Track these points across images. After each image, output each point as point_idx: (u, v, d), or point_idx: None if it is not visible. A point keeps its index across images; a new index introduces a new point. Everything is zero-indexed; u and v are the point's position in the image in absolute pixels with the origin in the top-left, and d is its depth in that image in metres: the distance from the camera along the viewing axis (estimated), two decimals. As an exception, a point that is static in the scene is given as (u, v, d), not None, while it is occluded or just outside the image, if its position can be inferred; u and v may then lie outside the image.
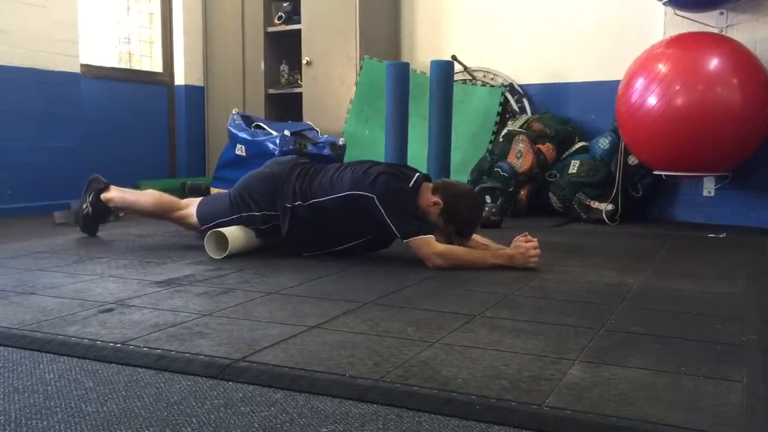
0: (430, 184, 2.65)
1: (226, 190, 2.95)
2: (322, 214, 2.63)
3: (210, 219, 2.81)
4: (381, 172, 2.57)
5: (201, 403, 1.24)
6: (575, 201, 4.07)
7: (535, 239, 2.53)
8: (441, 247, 2.50)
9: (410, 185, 2.58)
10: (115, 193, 3.09)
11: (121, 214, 3.23)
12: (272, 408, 1.22)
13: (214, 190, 3.25)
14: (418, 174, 2.66)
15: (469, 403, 1.23)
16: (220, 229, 2.69)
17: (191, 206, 2.91)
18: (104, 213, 3.16)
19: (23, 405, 1.22)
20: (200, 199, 2.95)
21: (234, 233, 2.69)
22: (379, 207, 2.50)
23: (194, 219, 2.87)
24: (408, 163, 3.81)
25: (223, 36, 5.33)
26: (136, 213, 3.14)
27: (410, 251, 2.58)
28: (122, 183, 4.70)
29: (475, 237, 2.71)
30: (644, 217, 4.21)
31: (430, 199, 2.57)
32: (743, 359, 1.51)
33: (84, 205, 3.14)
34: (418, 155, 4.00)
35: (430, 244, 2.50)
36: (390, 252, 2.78)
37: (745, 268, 2.63)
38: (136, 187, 4.75)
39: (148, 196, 3.03)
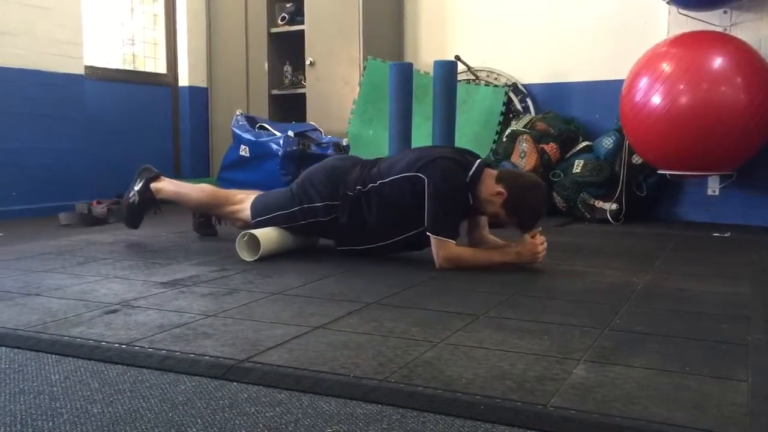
0: (494, 172, 2.55)
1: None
2: (380, 199, 2.57)
3: (265, 212, 2.75)
4: (441, 156, 2.52)
5: (206, 403, 1.24)
6: (579, 201, 4.06)
7: (540, 230, 2.52)
8: (454, 252, 2.48)
9: (470, 173, 2.50)
10: (166, 184, 3.03)
11: (160, 211, 3.16)
12: (277, 408, 1.22)
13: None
14: (479, 161, 2.57)
15: (473, 403, 1.23)
16: (252, 231, 2.65)
17: (245, 201, 2.85)
18: (149, 203, 3.07)
19: (29, 406, 1.23)
20: (256, 194, 2.90)
21: (266, 235, 2.66)
22: (426, 191, 2.46)
23: (247, 213, 2.81)
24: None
25: (226, 37, 5.34)
26: (186, 205, 3.08)
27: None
28: (126, 184, 4.72)
29: (485, 233, 2.70)
30: (648, 216, 4.20)
31: (493, 188, 2.48)
32: (748, 359, 1.50)
33: (131, 194, 3.06)
34: (422, 155, 4.00)
35: (446, 247, 2.47)
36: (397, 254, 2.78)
37: (750, 268, 2.63)
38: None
39: (200, 190, 2.99)
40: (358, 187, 2.61)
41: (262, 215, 2.77)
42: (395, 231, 2.61)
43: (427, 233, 2.50)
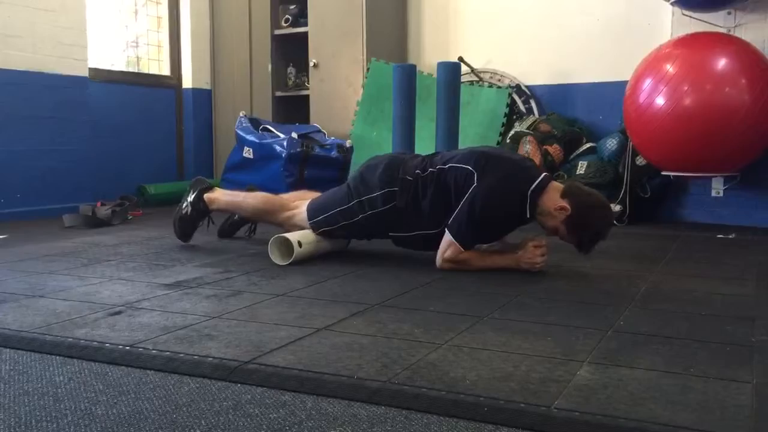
0: (560, 185, 2.48)
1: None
2: (436, 183, 2.52)
3: (322, 212, 2.70)
4: (503, 166, 2.47)
5: (210, 405, 1.24)
6: (583, 202, 4.05)
7: (544, 245, 2.50)
8: (461, 256, 2.47)
9: (534, 185, 2.43)
10: (219, 194, 2.98)
11: (213, 224, 3.13)
12: (281, 410, 1.22)
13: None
14: (545, 174, 2.51)
15: (477, 405, 1.23)
16: (284, 235, 2.62)
17: (302, 205, 2.80)
18: (203, 215, 3.01)
19: (33, 407, 1.23)
20: (310, 197, 2.85)
21: (298, 239, 2.62)
22: (469, 193, 2.43)
23: (302, 216, 2.75)
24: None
25: (230, 39, 5.34)
26: (241, 214, 3.04)
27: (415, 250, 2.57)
28: (130, 186, 4.76)
29: None
30: (652, 218, 4.19)
31: (557, 203, 2.41)
32: (753, 360, 1.50)
33: (183, 206, 3.00)
34: (426, 157, 4.00)
35: (455, 250, 2.47)
36: (397, 254, 2.78)
37: (755, 269, 2.62)
38: (142, 190, 4.78)
39: (254, 198, 2.93)
40: (417, 171, 2.58)
41: (318, 216, 2.71)
42: (446, 218, 2.53)
43: (446, 228, 2.48)
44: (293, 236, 2.63)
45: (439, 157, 2.62)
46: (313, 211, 2.74)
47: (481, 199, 2.42)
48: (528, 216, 2.47)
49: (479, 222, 2.45)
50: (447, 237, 2.49)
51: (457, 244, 2.47)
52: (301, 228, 2.76)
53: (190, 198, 2.99)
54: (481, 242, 2.57)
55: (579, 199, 2.42)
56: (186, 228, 3.03)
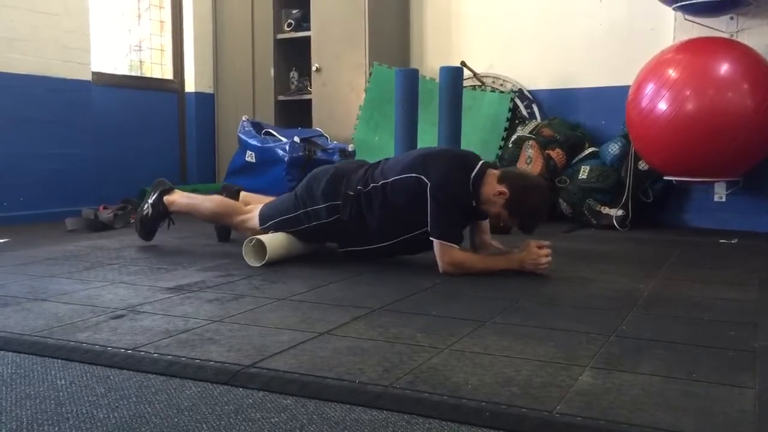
0: (497, 172, 2.55)
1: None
2: (380, 199, 2.58)
3: (271, 218, 2.78)
4: (443, 158, 2.54)
5: (211, 409, 1.24)
6: (585, 207, 4.05)
7: (548, 245, 2.51)
8: (458, 257, 2.49)
9: (473, 174, 2.51)
10: (178, 196, 3.07)
11: (173, 224, 3.19)
12: (282, 414, 1.22)
13: (243, 193, 3.25)
14: (482, 162, 2.58)
15: (479, 410, 1.22)
16: (258, 237, 2.66)
17: (253, 210, 2.88)
18: (162, 216, 3.09)
19: (35, 411, 1.23)
20: (266, 201, 2.93)
21: (272, 241, 2.66)
22: (428, 195, 2.47)
23: (254, 221, 2.84)
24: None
25: (233, 43, 5.35)
26: (198, 216, 3.11)
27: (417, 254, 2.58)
28: (132, 189, 4.76)
29: (486, 238, 2.70)
30: (655, 222, 4.18)
31: (495, 188, 2.49)
32: (756, 366, 1.50)
33: (145, 206, 3.10)
34: (428, 161, 4.00)
35: (450, 252, 2.48)
36: (398, 258, 2.78)
37: (758, 274, 2.61)
38: (145, 193, 4.78)
39: (210, 201, 3.02)
40: (359, 187, 2.63)
41: (267, 222, 2.79)
42: (396, 231, 2.61)
43: (431, 238, 2.50)
44: (266, 238, 2.66)
45: (380, 171, 2.65)
46: (264, 217, 2.82)
47: (441, 192, 2.46)
48: (474, 204, 2.53)
49: (451, 212, 2.49)
50: (436, 244, 2.50)
51: (447, 243, 2.48)
52: (255, 232, 2.83)
53: (151, 199, 3.09)
54: (462, 230, 2.58)
55: (515, 182, 2.50)
56: (147, 228, 3.14)
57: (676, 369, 1.46)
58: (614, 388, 1.34)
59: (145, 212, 3.10)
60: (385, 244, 2.65)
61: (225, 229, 3.27)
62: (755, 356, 1.56)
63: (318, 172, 2.79)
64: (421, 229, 2.54)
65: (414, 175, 2.53)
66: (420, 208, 2.50)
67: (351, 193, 2.64)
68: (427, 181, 2.49)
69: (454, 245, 2.49)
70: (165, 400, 1.28)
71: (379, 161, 2.76)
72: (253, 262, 2.64)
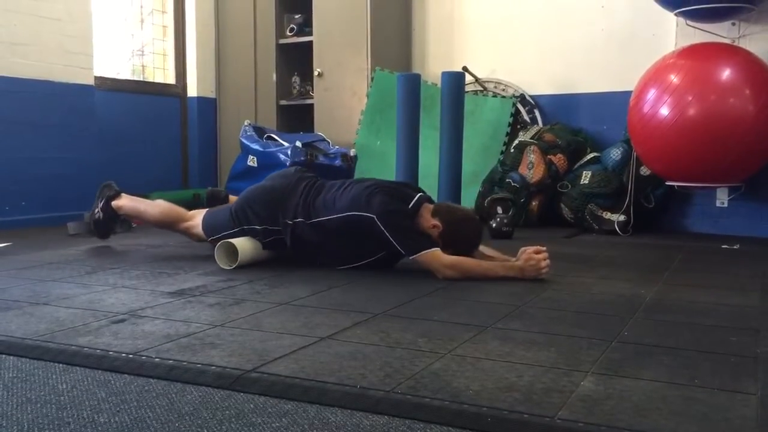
0: (431, 206, 2.65)
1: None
2: (325, 233, 2.64)
3: (214, 231, 2.84)
4: (378, 191, 2.58)
5: (212, 413, 1.24)
6: (587, 212, 4.05)
7: (545, 250, 2.51)
8: (449, 258, 2.50)
9: (409, 206, 2.59)
10: (125, 201, 3.14)
11: (134, 225, 3.26)
12: (283, 419, 1.22)
13: (233, 198, 3.28)
14: (419, 195, 2.66)
15: (480, 415, 1.22)
16: (230, 240, 2.70)
17: (197, 217, 2.94)
18: (114, 220, 3.19)
19: (36, 415, 1.23)
20: (206, 210, 2.98)
21: (244, 244, 2.71)
22: (380, 226, 2.51)
23: (200, 230, 2.90)
24: (419, 174, 3.82)
25: (235, 48, 5.37)
26: (146, 222, 3.17)
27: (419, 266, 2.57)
28: (135, 193, 4.76)
29: (482, 248, 2.70)
30: (657, 228, 4.18)
31: (429, 221, 2.57)
32: (758, 372, 1.49)
33: (96, 210, 3.18)
34: (430, 166, 4.00)
35: (437, 257, 2.50)
36: (400, 263, 2.78)
37: (760, 280, 2.61)
38: (147, 197, 4.79)
39: (155, 207, 3.07)
40: (299, 219, 2.67)
41: (213, 234, 2.84)
42: (354, 258, 2.68)
43: (411, 258, 2.55)
44: (238, 241, 2.70)
45: (321, 201, 2.66)
46: (207, 228, 2.87)
47: (388, 217, 2.52)
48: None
49: (409, 228, 2.56)
50: (420, 259, 2.53)
51: (427, 252, 2.51)
52: (200, 238, 2.91)
53: (101, 204, 3.17)
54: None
55: (447, 216, 2.60)
56: (102, 230, 3.23)
57: (677, 375, 1.45)
58: (616, 393, 1.34)
59: (96, 216, 3.18)
60: (348, 267, 2.69)
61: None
62: (757, 362, 1.56)
63: (251, 194, 2.81)
64: (381, 252, 2.62)
65: (357, 213, 2.56)
66: (371, 239, 2.56)
67: (288, 221, 2.68)
68: (371, 215, 2.52)
69: (433, 249, 2.51)
70: (166, 404, 1.28)
71: (317, 183, 2.76)
72: (225, 264, 2.68)
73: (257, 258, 2.76)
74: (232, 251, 2.68)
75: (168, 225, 3.05)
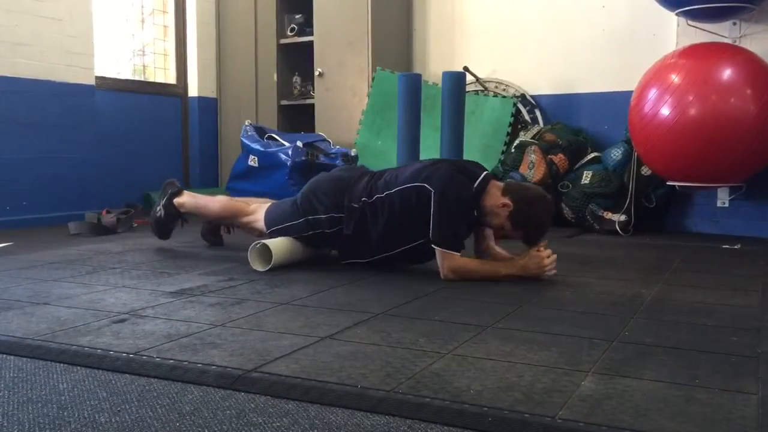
0: (500, 184, 2.55)
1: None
2: (384, 210, 2.57)
3: (276, 223, 2.79)
4: (447, 167, 2.52)
5: (213, 413, 1.24)
6: (588, 212, 4.05)
7: (550, 251, 2.50)
8: (459, 262, 2.48)
9: (476, 184, 2.50)
10: (186, 198, 3.13)
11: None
12: (284, 419, 1.22)
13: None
14: (485, 172, 2.57)
15: (481, 415, 1.22)
16: (264, 241, 2.65)
17: (258, 212, 2.90)
18: (174, 217, 3.16)
19: (37, 415, 1.23)
20: (268, 203, 2.94)
21: (278, 246, 2.66)
22: (432, 201, 2.45)
23: (261, 224, 2.86)
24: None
25: (236, 48, 5.37)
26: (205, 217, 3.17)
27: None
28: (135, 194, 4.78)
29: (492, 245, 2.69)
30: (657, 228, 4.18)
31: (499, 200, 2.48)
32: (759, 371, 1.49)
33: (157, 209, 3.17)
34: (430, 166, 4.00)
35: (451, 258, 2.47)
36: (401, 264, 2.78)
37: (761, 280, 2.61)
38: (148, 198, 4.80)
39: (216, 202, 3.07)
40: (364, 199, 2.62)
41: (273, 227, 2.80)
42: (399, 241, 2.61)
43: (432, 245, 2.49)
44: (272, 243, 2.65)
45: (383, 181, 2.63)
46: (269, 222, 2.84)
47: (444, 198, 2.45)
48: (475, 214, 2.52)
49: (454, 219, 2.48)
50: (438, 252, 2.49)
51: (448, 251, 2.47)
52: (261, 233, 2.86)
53: (163, 201, 3.16)
54: (464, 238, 2.56)
55: (519, 195, 2.49)
56: (162, 229, 3.21)
57: (678, 375, 1.45)
58: (617, 393, 1.34)
59: (158, 214, 3.17)
60: (385, 255, 2.64)
61: (215, 235, 3.29)
62: (758, 362, 1.56)
63: (318, 182, 2.79)
64: (422, 239, 2.53)
65: (418, 183, 2.52)
66: (423, 217, 2.49)
67: (355, 205, 2.63)
68: (430, 188, 2.48)
69: (455, 252, 2.48)
70: (167, 404, 1.28)
71: (383, 171, 2.75)
72: (259, 266, 2.64)
73: (291, 260, 2.72)
74: (266, 253, 2.63)
75: (227, 220, 3.06)
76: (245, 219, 2.95)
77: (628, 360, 1.56)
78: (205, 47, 5.38)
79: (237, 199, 3.15)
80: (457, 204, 2.47)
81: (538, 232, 2.53)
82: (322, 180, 2.80)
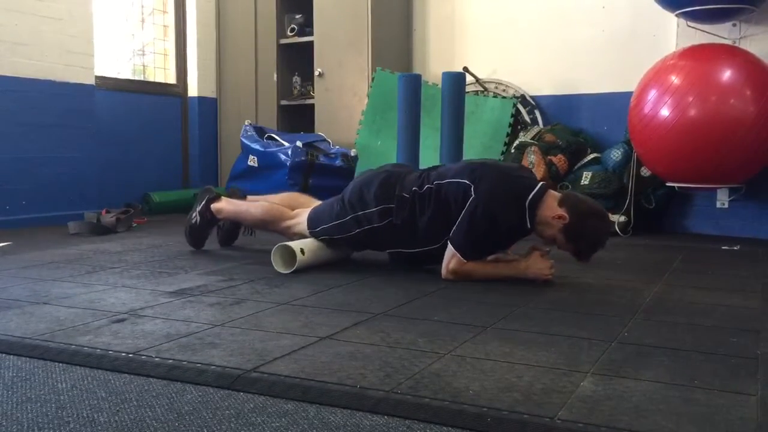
0: (557, 194, 2.48)
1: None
2: (433, 200, 2.53)
3: (320, 223, 2.73)
4: (498, 177, 2.47)
5: (212, 413, 1.24)
6: (587, 212, 4.05)
7: (548, 250, 2.51)
8: (463, 268, 2.46)
9: (532, 194, 2.42)
10: (225, 204, 3.06)
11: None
12: (283, 419, 1.22)
13: (250, 197, 3.24)
14: (542, 183, 2.50)
15: (480, 416, 1.22)
16: (288, 243, 2.63)
17: (301, 215, 2.85)
18: (210, 224, 3.10)
19: (36, 414, 1.23)
20: (310, 208, 2.88)
21: (301, 248, 2.62)
22: (467, 203, 2.42)
23: (302, 226, 2.80)
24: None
25: (236, 48, 5.37)
26: (245, 222, 3.09)
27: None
28: (135, 194, 4.77)
29: None
30: (657, 229, 4.18)
31: (555, 211, 2.41)
32: (758, 372, 1.49)
33: (193, 215, 3.10)
34: (430, 166, 4.00)
35: (458, 261, 2.46)
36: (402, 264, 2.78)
37: (760, 281, 2.61)
38: (147, 198, 4.80)
39: (257, 207, 2.99)
40: (414, 188, 2.57)
41: (317, 227, 2.75)
42: (441, 234, 2.53)
43: (448, 239, 2.48)
44: (296, 245, 2.63)
45: (436, 173, 2.60)
46: (312, 221, 2.77)
47: (480, 210, 2.42)
48: (528, 226, 2.46)
49: (480, 233, 2.44)
50: (449, 248, 2.48)
51: (459, 255, 2.46)
52: (303, 236, 2.79)
53: (199, 207, 3.08)
54: (482, 254, 2.54)
55: (577, 208, 2.42)
56: (196, 236, 3.13)
57: (678, 376, 1.45)
58: (616, 394, 1.34)
59: (193, 221, 3.10)
60: (433, 247, 2.57)
61: (229, 235, 3.25)
62: (758, 363, 1.56)
63: (368, 177, 2.73)
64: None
65: (466, 181, 2.47)
66: (459, 213, 2.47)
67: (406, 195, 2.58)
68: (473, 192, 2.43)
69: (464, 258, 2.46)
70: (166, 404, 1.28)
71: (437, 165, 2.74)
72: (282, 269, 2.61)
73: (314, 262, 2.68)
74: (290, 254, 2.60)
75: (268, 225, 2.96)
76: (288, 222, 2.88)
77: (627, 361, 1.56)
78: (205, 47, 5.38)
79: (276, 203, 3.05)
80: (486, 221, 2.42)
81: (591, 248, 2.47)
82: (371, 175, 2.74)
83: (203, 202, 3.07)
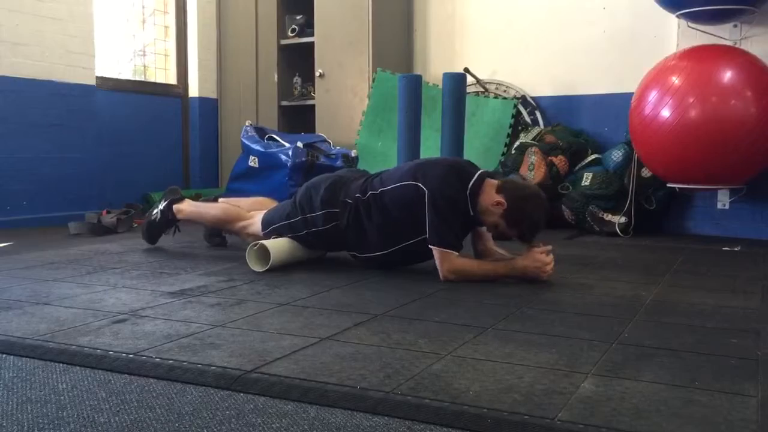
0: (495, 182, 2.52)
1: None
2: (378, 207, 2.58)
3: (270, 224, 2.82)
4: (440, 166, 2.54)
5: (212, 414, 1.24)
6: (588, 213, 4.05)
7: (550, 249, 2.50)
8: (457, 264, 2.48)
9: (471, 183, 2.49)
10: (186, 205, 3.15)
11: (179, 231, 3.25)
12: (283, 420, 1.22)
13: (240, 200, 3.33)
14: (480, 171, 2.57)
15: (480, 416, 1.22)
16: (262, 242, 2.66)
17: (255, 216, 2.94)
18: (168, 224, 3.18)
19: (36, 415, 1.23)
20: (269, 207, 2.98)
21: (276, 246, 2.67)
22: (426, 202, 2.47)
23: (255, 228, 2.89)
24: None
25: (236, 49, 5.37)
26: (204, 223, 3.19)
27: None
28: (135, 194, 4.78)
29: (492, 246, 2.69)
30: (657, 229, 4.18)
31: (493, 198, 2.46)
32: (759, 374, 1.49)
33: (154, 212, 3.20)
34: (431, 167, 4.00)
35: (449, 258, 2.47)
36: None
37: (760, 282, 2.61)
38: (148, 198, 4.80)
39: (214, 208, 3.10)
40: (357, 195, 2.64)
41: (268, 227, 2.83)
42: (394, 240, 2.61)
43: (429, 246, 2.49)
44: (270, 243, 2.66)
45: (379, 179, 2.66)
46: (265, 222, 2.86)
47: (437, 195, 2.46)
48: (471, 214, 2.51)
49: (449, 217, 2.48)
50: (435, 252, 2.50)
51: (446, 250, 2.48)
52: (257, 237, 2.86)
53: (161, 206, 3.18)
54: (459, 237, 2.55)
55: (513, 193, 2.47)
56: (152, 233, 3.23)
57: (678, 377, 1.45)
58: (616, 395, 1.33)
59: (153, 217, 3.20)
60: (382, 253, 2.64)
61: (218, 236, 3.30)
62: (758, 364, 1.56)
63: (317, 180, 2.81)
64: (419, 237, 2.53)
65: (412, 182, 2.53)
66: (417, 215, 2.50)
67: (349, 200, 2.65)
68: (424, 188, 2.48)
69: (453, 252, 2.48)
70: (166, 404, 1.28)
71: (379, 172, 2.77)
72: (257, 267, 2.64)
73: (289, 260, 2.72)
74: (264, 253, 2.63)
75: (225, 224, 3.07)
76: (243, 223, 2.97)
77: (627, 362, 1.56)
78: (205, 48, 5.39)
79: (235, 205, 3.14)
80: (449, 205, 2.48)
81: (533, 230, 2.52)
82: (322, 178, 2.82)
83: (166, 202, 3.16)
